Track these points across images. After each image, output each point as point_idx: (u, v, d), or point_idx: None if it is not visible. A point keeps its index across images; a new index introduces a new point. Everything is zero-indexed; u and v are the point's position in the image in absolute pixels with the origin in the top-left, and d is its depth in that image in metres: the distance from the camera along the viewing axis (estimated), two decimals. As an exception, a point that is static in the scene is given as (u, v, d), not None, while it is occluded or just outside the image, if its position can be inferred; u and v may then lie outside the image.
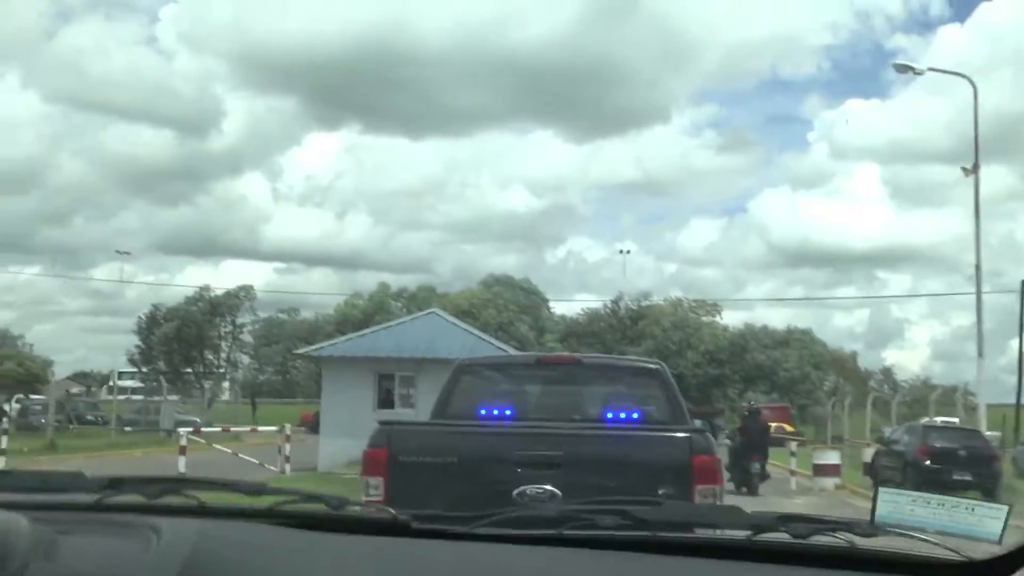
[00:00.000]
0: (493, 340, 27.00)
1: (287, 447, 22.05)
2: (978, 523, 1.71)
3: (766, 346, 70.84)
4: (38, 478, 1.92)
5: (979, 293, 24.01)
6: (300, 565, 1.48)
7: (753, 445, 19.85)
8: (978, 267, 23.87)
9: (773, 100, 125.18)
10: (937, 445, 20.80)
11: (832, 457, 23.58)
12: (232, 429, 24.26)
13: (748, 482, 19.48)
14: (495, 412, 6.96)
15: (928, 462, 20.26)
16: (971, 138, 24.24)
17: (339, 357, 25.72)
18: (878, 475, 21.86)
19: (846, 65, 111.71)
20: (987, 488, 18.70)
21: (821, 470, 22.37)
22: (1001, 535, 1.68)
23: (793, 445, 24.56)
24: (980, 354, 23.75)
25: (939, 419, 39.78)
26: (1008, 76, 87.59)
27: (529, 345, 67.69)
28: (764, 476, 20.20)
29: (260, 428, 25.02)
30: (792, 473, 23.04)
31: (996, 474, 20.14)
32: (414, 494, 5.11)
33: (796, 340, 71.72)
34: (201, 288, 72.76)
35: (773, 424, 57.39)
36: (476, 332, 27.10)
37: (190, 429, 21.72)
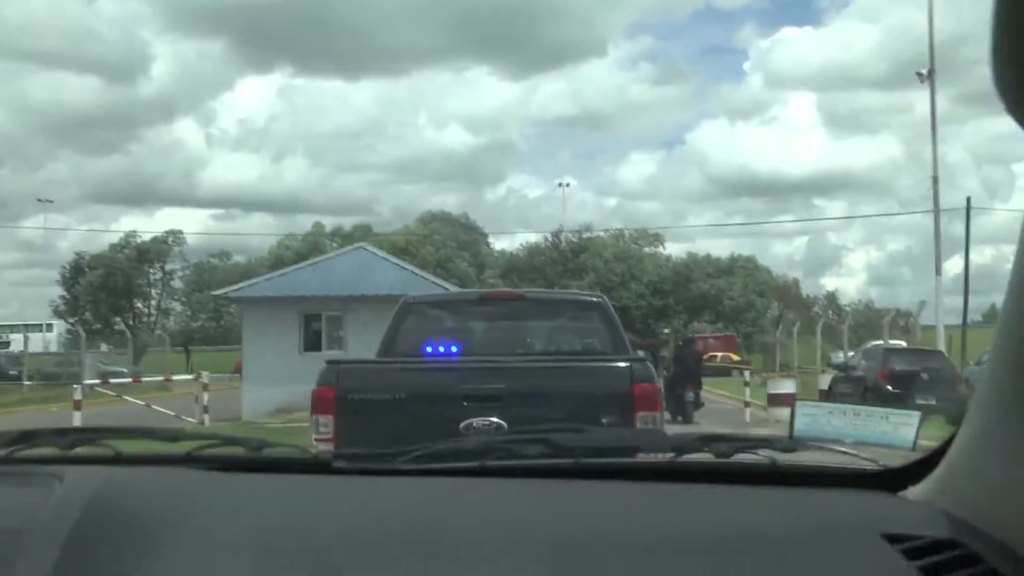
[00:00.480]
0: (424, 274, 25.35)
1: (205, 396, 20.38)
2: (893, 431, 1.78)
3: (710, 275, 69.92)
4: None
5: (937, 207, 22.78)
6: (214, 507, 1.45)
7: (687, 374, 20.26)
8: (935, 178, 22.63)
9: (708, 31, 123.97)
10: (898, 368, 19.63)
11: (787, 386, 22.35)
12: (143, 379, 22.39)
13: (683, 411, 19.79)
14: (441, 349, 7.08)
15: (889, 386, 19.12)
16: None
17: (260, 298, 23.93)
18: (836, 402, 20.69)
19: None
20: (952, 413, 17.52)
21: (776, 400, 21.08)
22: (914, 442, 1.77)
23: (747, 374, 23.48)
24: (938, 271, 22.70)
25: (888, 343, 39.55)
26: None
27: (469, 281, 66.43)
28: (698, 404, 20.63)
29: (175, 377, 23.19)
30: (746, 404, 22.08)
31: (961, 397, 18.97)
32: (363, 431, 5.33)
33: (740, 268, 70.84)
34: (127, 234, 70.03)
35: (719, 353, 57.77)
36: (407, 266, 25.43)
37: (97, 382, 19.88)
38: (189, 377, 21.79)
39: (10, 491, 1.48)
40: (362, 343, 23.95)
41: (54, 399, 29.19)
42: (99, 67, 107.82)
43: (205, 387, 20.51)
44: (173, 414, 20.11)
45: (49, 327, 62.28)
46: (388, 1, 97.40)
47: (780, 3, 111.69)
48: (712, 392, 36.30)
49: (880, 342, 41.30)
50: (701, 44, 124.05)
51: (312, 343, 23.99)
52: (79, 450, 1.75)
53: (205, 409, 20.05)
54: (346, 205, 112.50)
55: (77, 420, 15.42)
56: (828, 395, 22.02)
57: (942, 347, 22.55)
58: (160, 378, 22.92)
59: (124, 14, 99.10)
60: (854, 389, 20.56)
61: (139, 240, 69.20)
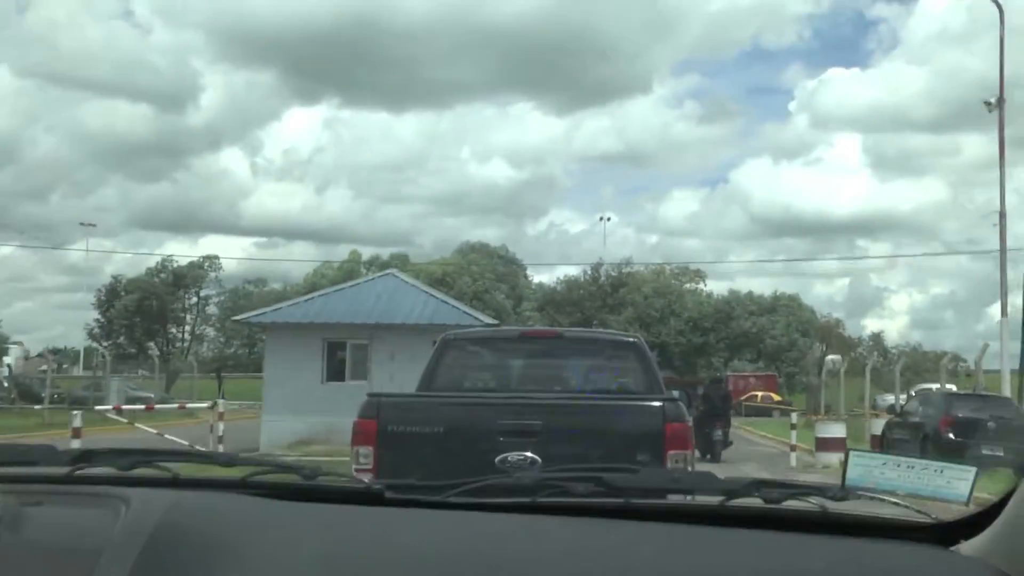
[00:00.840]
0: (455, 303, 24.21)
1: (220, 426, 19.32)
2: (947, 485, 1.72)
3: (752, 313, 68.28)
4: (8, 452, 1.93)
5: (1003, 243, 21.24)
6: (272, 534, 1.49)
7: (715, 413, 20.30)
8: (1002, 214, 21.09)
9: (754, 70, 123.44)
10: (962, 415, 17.99)
11: (836, 430, 20.94)
12: (157, 407, 21.38)
13: (711, 449, 19.78)
14: (479, 384, 7.49)
15: (952, 435, 17.57)
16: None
17: (283, 324, 22.90)
18: (891, 449, 19.20)
19: (827, 34, 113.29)
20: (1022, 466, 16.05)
21: (824, 444, 19.74)
22: (969, 496, 1.69)
23: (793, 416, 22.08)
24: (1004, 312, 21.07)
25: (933, 386, 37.78)
26: (990, 42, 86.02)
27: (505, 314, 65.41)
28: (727, 443, 20.67)
29: (190, 405, 22.15)
30: (792, 448, 20.69)
31: (1033, 448, 17.47)
32: (402, 463, 5.50)
33: (783, 306, 69.14)
34: (164, 258, 69.75)
35: (760, 393, 56.11)
36: (436, 294, 24.29)
37: (109, 408, 18.88)
38: (205, 405, 20.72)
39: (79, 511, 1.54)
40: (387, 373, 22.85)
41: (86, 423, 28.35)
42: (151, 96, 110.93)
43: (221, 416, 19.45)
44: (187, 443, 19.05)
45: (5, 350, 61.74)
46: (435, 36, 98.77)
47: (827, 44, 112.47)
48: (754, 433, 34.92)
49: (931, 386, 39.68)
50: (747, 83, 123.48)
51: (335, 372, 22.91)
52: (138, 471, 1.78)
53: (220, 439, 18.98)
54: (387, 236, 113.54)
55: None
56: (881, 441, 20.55)
57: (1008, 393, 20.91)
58: (175, 405, 21.91)
59: (177, 44, 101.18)
60: (911, 436, 19.06)
61: (175, 265, 68.91)
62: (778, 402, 55.39)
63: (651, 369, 7.53)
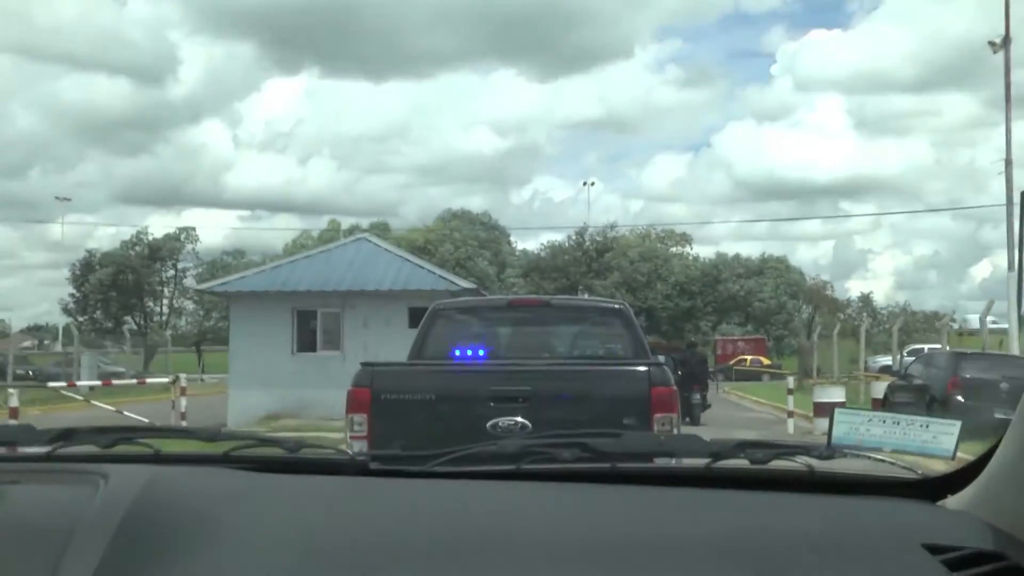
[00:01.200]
0: (431, 267, 22.93)
1: (183, 401, 18.17)
2: (932, 440, 1.72)
3: (739, 275, 67.17)
4: None
5: (1010, 192, 20.03)
6: (255, 507, 1.47)
7: (692, 377, 20.17)
8: (1009, 161, 19.86)
9: (735, 33, 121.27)
10: (970, 376, 16.91)
11: (835, 394, 19.81)
12: (114, 382, 20.09)
13: (690, 412, 19.51)
14: (469, 352, 7.39)
15: (961, 397, 16.46)
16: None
17: (249, 293, 21.56)
18: (894, 412, 18.09)
19: None
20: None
21: (823, 409, 18.64)
22: (954, 451, 1.70)
23: (790, 380, 21.03)
24: (1011, 267, 19.91)
25: (925, 347, 36.90)
26: (971, 2, 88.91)
27: (489, 281, 64.23)
28: (705, 406, 21.02)
29: (149, 380, 20.88)
30: (790, 414, 19.68)
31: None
32: (395, 429, 5.66)
33: (771, 268, 67.97)
34: (139, 231, 68.08)
35: (749, 357, 55.19)
36: (412, 258, 22.96)
37: (62, 384, 17.61)
38: (165, 380, 19.49)
39: (56, 488, 1.52)
40: (360, 343, 21.61)
41: (35, 401, 27.15)
42: (129, 69, 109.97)
43: (183, 391, 18.30)
44: (147, 421, 17.83)
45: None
46: (415, 4, 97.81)
47: (809, 6, 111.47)
48: (747, 398, 33.91)
49: (922, 346, 38.79)
50: (729, 47, 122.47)
51: (306, 343, 21.66)
52: (119, 448, 1.77)
53: (182, 416, 17.82)
54: (372, 207, 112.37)
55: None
56: (884, 405, 19.46)
57: (1016, 351, 19.80)
58: (134, 381, 20.63)
59: (154, 17, 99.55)
60: (915, 399, 17.97)
61: (151, 237, 67.25)
62: (767, 366, 54.64)
63: (637, 335, 7.65)
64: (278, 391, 20.75)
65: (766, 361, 56.23)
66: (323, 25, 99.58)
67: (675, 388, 6.01)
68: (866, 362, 46.13)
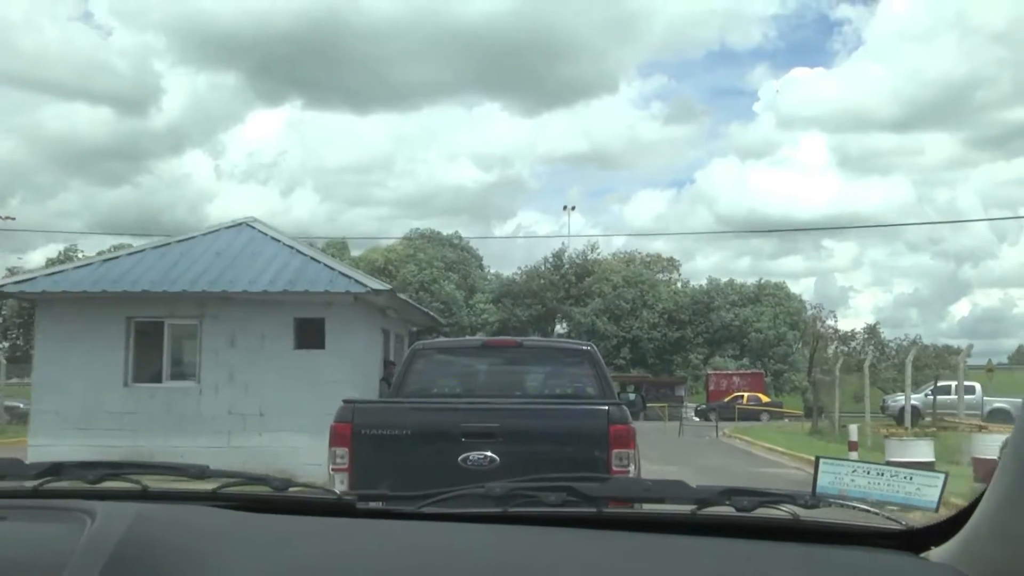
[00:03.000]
0: (329, 260, 16.23)
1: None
2: (916, 492, 1.74)
3: (734, 303, 60.89)
4: None
5: None
6: (242, 546, 1.46)
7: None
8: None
9: (720, 70, 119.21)
10: None
11: (921, 451, 13.56)
12: None
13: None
14: (446, 390, 8.22)
15: None
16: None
17: (63, 295, 14.86)
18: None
19: (792, 35, 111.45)
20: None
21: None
22: (938, 503, 1.72)
23: (853, 430, 14.56)
24: None
25: (952, 384, 30.90)
26: (952, 42, 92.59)
27: (456, 306, 57.73)
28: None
29: None
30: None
31: None
32: (374, 462, 6.07)
33: (768, 296, 61.72)
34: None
35: (745, 394, 48.69)
36: (305, 250, 16.07)
37: None
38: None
39: (43, 526, 1.49)
40: (224, 369, 14.90)
41: None
42: (112, 99, 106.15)
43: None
44: None
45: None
46: (400, 36, 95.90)
47: (792, 45, 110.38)
48: (756, 445, 27.40)
49: (950, 383, 32.69)
50: (713, 83, 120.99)
51: (147, 370, 15.03)
52: (106, 484, 1.77)
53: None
54: (355, 239, 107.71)
55: None
56: (983, 468, 13.05)
57: None
58: None
59: (138, 47, 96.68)
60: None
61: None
62: (766, 404, 48.57)
63: (603, 374, 8.38)
64: (104, 438, 14.08)
65: (764, 398, 50.19)
66: (307, 56, 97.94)
67: (632, 426, 6.24)
68: (883, 402, 39.95)
